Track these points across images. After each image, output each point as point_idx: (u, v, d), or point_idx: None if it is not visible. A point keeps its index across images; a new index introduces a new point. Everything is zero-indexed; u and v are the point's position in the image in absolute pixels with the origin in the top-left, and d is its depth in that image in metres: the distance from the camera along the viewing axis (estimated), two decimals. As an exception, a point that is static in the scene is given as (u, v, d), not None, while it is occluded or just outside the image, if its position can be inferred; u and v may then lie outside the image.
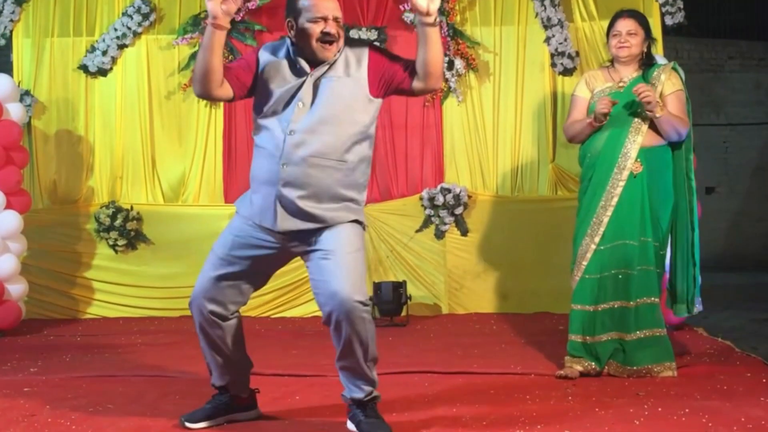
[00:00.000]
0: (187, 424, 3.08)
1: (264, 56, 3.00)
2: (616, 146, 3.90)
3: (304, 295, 6.01)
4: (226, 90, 2.93)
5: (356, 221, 2.97)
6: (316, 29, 2.89)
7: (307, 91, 2.91)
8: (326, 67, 2.93)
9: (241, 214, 3.03)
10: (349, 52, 2.97)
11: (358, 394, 2.98)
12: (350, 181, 2.94)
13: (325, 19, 2.89)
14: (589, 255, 3.90)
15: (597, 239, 3.90)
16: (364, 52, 2.97)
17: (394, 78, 2.94)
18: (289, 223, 2.90)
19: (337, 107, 2.91)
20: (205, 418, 3.10)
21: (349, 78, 2.93)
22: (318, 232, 2.92)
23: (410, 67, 2.92)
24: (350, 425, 3.03)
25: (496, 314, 5.88)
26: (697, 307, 4.04)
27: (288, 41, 3.00)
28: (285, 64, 2.97)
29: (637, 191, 3.88)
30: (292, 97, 2.91)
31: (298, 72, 2.94)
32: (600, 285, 3.89)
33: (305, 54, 2.94)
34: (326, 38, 2.89)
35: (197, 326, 3.04)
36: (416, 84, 2.92)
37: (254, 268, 3.02)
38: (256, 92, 3.00)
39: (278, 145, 2.89)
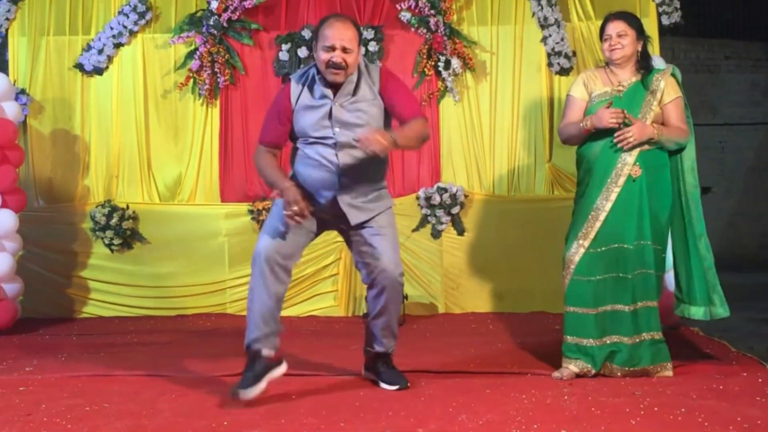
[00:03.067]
0: (243, 393, 3.34)
1: (294, 90, 3.56)
2: (614, 153, 3.85)
3: (300, 295, 6.01)
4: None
5: (390, 207, 3.67)
6: (325, 57, 3.43)
7: (338, 115, 3.47)
8: (347, 94, 3.49)
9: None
10: (366, 78, 3.54)
11: (382, 349, 3.67)
12: (382, 175, 3.64)
13: (333, 48, 3.42)
14: (577, 258, 3.87)
15: (587, 243, 3.86)
16: (376, 74, 3.56)
17: (392, 110, 3.56)
18: (359, 216, 3.54)
19: (367, 123, 3.48)
20: (253, 383, 3.38)
21: (370, 101, 3.52)
22: None
23: (401, 116, 3.53)
24: (368, 374, 3.77)
25: (492, 314, 5.88)
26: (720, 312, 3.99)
27: (314, 68, 3.54)
28: (310, 92, 3.53)
29: (636, 195, 3.84)
30: (329, 121, 3.47)
31: (322, 98, 3.50)
32: (594, 287, 3.86)
33: (324, 77, 3.47)
34: (332, 65, 3.42)
35: (260, 277, 3.43)
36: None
37: (306, 227, 3.53)
38: (294, 121, 3.56)
39: (332, 161, 3.48)
